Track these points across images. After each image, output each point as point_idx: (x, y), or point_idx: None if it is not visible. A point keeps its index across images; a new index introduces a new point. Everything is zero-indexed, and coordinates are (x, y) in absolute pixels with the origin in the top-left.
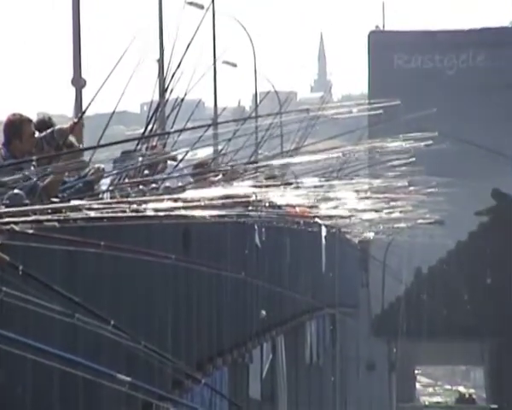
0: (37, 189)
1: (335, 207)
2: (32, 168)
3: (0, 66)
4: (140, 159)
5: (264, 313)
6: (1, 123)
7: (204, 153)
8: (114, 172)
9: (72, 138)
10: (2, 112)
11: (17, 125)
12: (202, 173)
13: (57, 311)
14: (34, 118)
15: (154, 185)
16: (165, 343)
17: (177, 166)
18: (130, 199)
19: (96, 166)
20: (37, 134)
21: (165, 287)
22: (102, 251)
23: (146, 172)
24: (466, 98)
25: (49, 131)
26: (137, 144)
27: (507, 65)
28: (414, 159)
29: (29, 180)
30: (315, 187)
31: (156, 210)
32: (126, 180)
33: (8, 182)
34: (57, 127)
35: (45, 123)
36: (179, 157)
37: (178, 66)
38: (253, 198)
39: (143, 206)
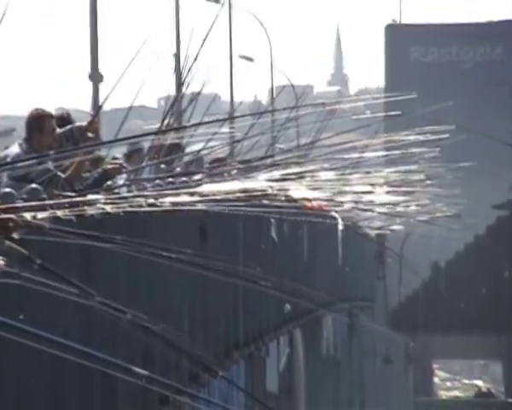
0: (57, 181)
1: (352, 201)
2: (50, 163)
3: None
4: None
5: (288, 306)
6: (22, 118)
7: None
8: (131, 168)
9: (89, 134)
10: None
11: (39, 119)
12: (219, 168)
13: (75, 301)
14: (53, 113)
15: (170, 179)
16: (182, 337)
17: (193, 161)
18: (146, 193)
19: (116, 161)
20: (57, 130)
21: (182, 279)
22: (119, 246)
23: (162, 166)
24: (483, 91)
25: (68, 127)
26: (154, 139)
27: None
28: (438, 149)
29: (49, 172)
30: (331, 181)
31: (173, 204)
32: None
33: (29, 175)
34: (76, 124)
35: (65, 119)
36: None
37: (195, 60)
38: (270, 192)
39: (160, 200)
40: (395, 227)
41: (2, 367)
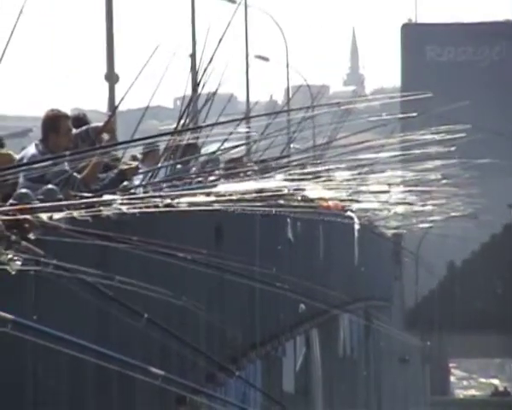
0: (74, 181)
1: (368, 201)
2: (66, 164)
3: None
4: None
5: (303, 306)
6: (39, 119)
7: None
8: (147, 169)
9: (105, 136)
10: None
11: (55, 120)
12: (235, 168)
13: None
14: (69, 113)
15: (186, 180)
16: (199, 337)
17: (209, 160)
18: (162, 193)
19: (132, 163)
20: (73, 131)
21: (199, 280)
22: (135, 247)
23: (179, 166)
24: (499, 91)
25: (83, 128)
26: (170, 139)
27: None
28: (454, 148)
29: (65, 173)
30: (347, 180)
31: (189, 204)
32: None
33: (45, 176)
34: (92, 125)
35: (80, 120)
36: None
37: (211, 60)
38: (286, 192)
39: (176, 200)
40: (411, 227)
41: (21, 368)
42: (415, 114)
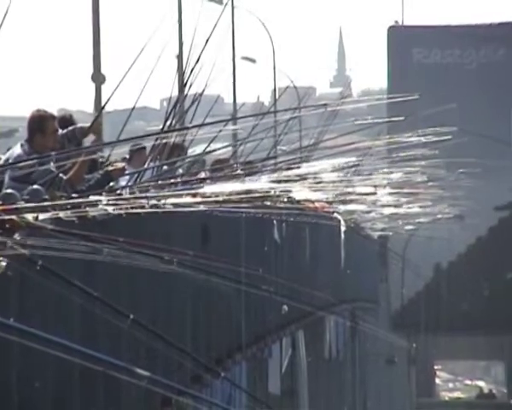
0: (60, 182)
1: (354, 203)
2: (52, 164)
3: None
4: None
5: (285, 307)
6: (25, 119)
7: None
8: (134, 170)
9: (92, 136)
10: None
11: (40, 121)
12: (221, 169)
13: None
14: (55, 114)
15: (172, 181)
16: (185, 338)
17: (196, 161)
18: (148, 194)
19: (119, 164)
20: (59, 131)
21: (185, 281)
22: (121, 248)
23: (165, 168)
24: (486, 93)
25: (70, 128)
26: (156, 140)
27: None
28: (440, 150)
29: (51, 174)
30: (334, 182)
31: (175, 205)
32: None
33: (31, 176)
34: (78, 125)
35: (67, 120)
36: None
37: (197, 61)
38: (272, 193)
39: (162, 201)
40: (397, 229)
41: (7, 370)
42: (402, 118)
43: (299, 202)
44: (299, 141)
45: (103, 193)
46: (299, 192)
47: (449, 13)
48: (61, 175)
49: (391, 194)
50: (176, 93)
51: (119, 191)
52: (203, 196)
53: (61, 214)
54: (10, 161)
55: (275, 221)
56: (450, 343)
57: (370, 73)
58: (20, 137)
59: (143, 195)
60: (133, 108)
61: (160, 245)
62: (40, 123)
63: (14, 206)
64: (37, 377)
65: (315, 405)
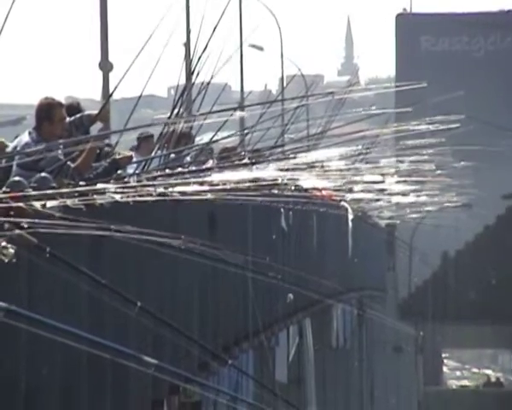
0: (67, 170)
1: (362, 191)
2: (60, 152)
3: (29, 50)
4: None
5: (291, 296)
6: (33, 107)
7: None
8: (141, 158)
9: (99, 124)
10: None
11: (48, 108)
12: (228, 157)
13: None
14: (63, 102)
15: (180, 169)
16: (192, 325)
17: (203, 149)
18: (156, 182)
19: (127, 153)
20: (67, 119)
21: (192, 269)
22: (128, 235)
23: (172, 156)
24: (494, 80)
25: (77, 116)
26: (164, 128)
27: None
28: (448, 138)
29: (58, 161)
30: (341, 170)
31: (182, 193)
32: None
33: (39, 164)
34: (86, 113)
35: (74, 108)
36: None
37: (205, 49)
38: (279, 182)
39: (170, 189)
40: (405, 218)
41: (15, 357)
42: (410, 109)
43: (306, 190)
44: (307, 129)
45: (111, 181)
46: (307, 180)
47: (456, 1)
48: (68, 163)
49: (398, 182)
50: (183, 81)
51: (126, 179)
52: (210, 184)
53: (69, 202)
54: (18, 148)
55: (282, 209)
56: (457, 332)
57: (378, 61)
58: (27, 125)
59: (151, 183)
60: (140, 96)
61: (167, 233)
62: (48, 111)
63: (22, 193)
64: (45, 364)
65: (322, 393)
